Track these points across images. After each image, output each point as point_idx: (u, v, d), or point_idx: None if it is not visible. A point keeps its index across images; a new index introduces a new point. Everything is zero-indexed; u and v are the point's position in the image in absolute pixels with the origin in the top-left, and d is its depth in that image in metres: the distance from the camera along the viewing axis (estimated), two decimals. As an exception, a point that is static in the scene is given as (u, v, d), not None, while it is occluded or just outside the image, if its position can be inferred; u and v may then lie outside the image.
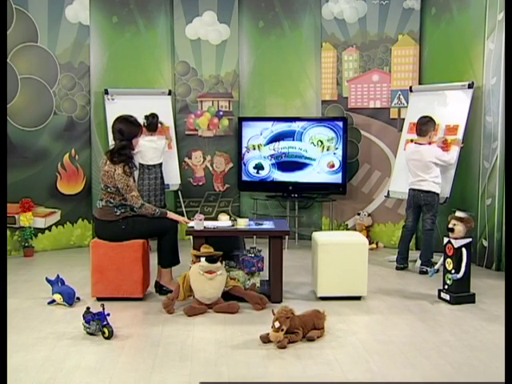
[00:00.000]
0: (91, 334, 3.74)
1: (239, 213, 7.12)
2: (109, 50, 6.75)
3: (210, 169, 7.23)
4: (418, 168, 5.48)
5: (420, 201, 5.50)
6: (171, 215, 4.66)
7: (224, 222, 4.76)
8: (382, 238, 6.74)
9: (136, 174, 5.23)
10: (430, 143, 5.52)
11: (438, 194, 5.46)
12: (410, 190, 5.61)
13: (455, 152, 5.54)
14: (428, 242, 5.50)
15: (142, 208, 4.50)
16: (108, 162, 4.49)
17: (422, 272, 5.41)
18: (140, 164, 5.94)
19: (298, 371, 3.23)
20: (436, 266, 4.77)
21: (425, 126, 5.48)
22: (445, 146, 5.66)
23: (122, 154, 4.50)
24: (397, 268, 5.62)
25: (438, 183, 5.45)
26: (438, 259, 4.84)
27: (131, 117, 4.66)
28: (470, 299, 4.48)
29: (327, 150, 6.62)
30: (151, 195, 5.90)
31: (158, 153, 6.12)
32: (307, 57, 6.92)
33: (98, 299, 4.45)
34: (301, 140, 6.72)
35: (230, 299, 4.32)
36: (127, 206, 4.54)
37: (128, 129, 4.56)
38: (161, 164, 6.19)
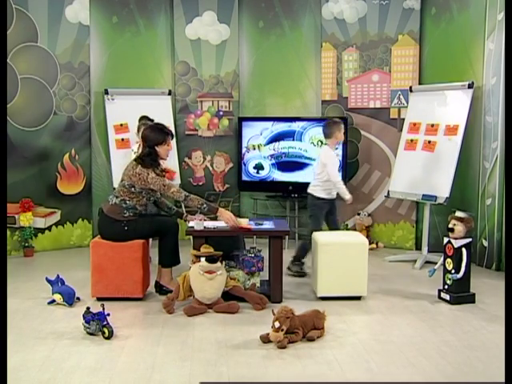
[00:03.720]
0: (91, 333, 3.74)
1: (239, 213, 7.11)
2: (109, 50, 6.74)
3: (210, 169, 7.23)
4: (315, 168, 5.56)
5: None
6: (222, 214, 4.52)
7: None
8: (382, 238, 6.74)
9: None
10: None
11: (316, 198, 5.32)
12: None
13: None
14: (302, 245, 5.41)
15: (188, 199, 4.50)
16: (139, 166, 4.50)
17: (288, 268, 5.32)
18: None
19: (298, 371, 3.23)
20: (436, 266, 4.77)
21: (326, 128, 5.38)
22: (427, 148, 5.78)
23: (146, 160, 4.52)
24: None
25: (317, 186, 5.32)
26: (438, 259, 4.84)
27: (159, 124, 4.71)
28: (470, 299, 4.48)
29: (327, 150, 6.61)
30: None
31: None
32: (307, 57, 6.92)
33: (98, 299, 4.45)
34: (301, 140, 6.72)
35: (230, 299, 4.32)
36: (138, 210, 4.56)
37: (151, 136, 4.58)
38: None
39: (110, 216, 4.53)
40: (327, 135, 5.42)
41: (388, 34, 6.63)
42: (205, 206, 4.51)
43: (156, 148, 4.56)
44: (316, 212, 5.38)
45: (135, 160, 4.59)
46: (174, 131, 6.59)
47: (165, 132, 4.64)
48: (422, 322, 4.07)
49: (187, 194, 4.54)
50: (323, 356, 3.44)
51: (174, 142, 6.54)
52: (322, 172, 5.30)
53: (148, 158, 4.53)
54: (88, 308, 3.82)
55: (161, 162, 4.66)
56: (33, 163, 6.34)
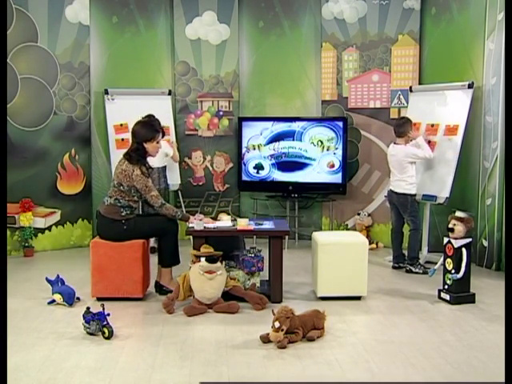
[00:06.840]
0: (91, 333, 3.74)
1: (239, 213, 7.12)
2: (109, 50, 6.74)
3: (210, 169, 7.23)
4: (394, 168, 5.58)
5: (395, 201, 5.63)
6: (193, 220, 4.58)
7: (224, 221, 4.76)
8: (381, 238, 6.73)
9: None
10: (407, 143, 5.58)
11: (411, 195, 5.52)
12: (388, 190, 5.74)
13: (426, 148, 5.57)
14: (410, 242, 5.57)
15: (163, 207, 4.51)
16: (126, 162, 4.50)
17: (406, 271, 5.51)
18: None
19: (298, 371, 3.23)
20: (436, 266, 4.77)
21: (401, 127, 5.53)
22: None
23: (133, 156, 4.51)
24: (392, 267, 5.67)
25: (411, 183, 5.51)
26: (438, 259, 4.84)
27: (150, 120, 4.65)
28: (470, 299, 4.48)
29: (327, 149, 6.62)
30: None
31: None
32: (307, 57, 6.92)
33: (98, 299, 4.45)
34: (301, 140, 6.72)
35: (230, 299, 4.32)
36: (133, 207, 4.56)
37: (141, 131, 4.56)
38: (164, 167, 6.23)
39: (108, 217, 4.52)
40: (401, 134, 5.53)
41: (388, 34, 6.63)
42: (179, 213, 4.57)
43: (144, 144, 4.55)
44: (417, 207, 5.60)
45: (123, 156, 4.59)
46: (174, 131, 6.72)
47: (155, 129, 4.61)
48: (422, 322, 4.07)
49: (164, 202, 4.55)
50: (323, 356, 3.44)
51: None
52: (406, 168, 5.45)
53: (135, 154, 4.52)
54: (88, 308, 3.82)
55: (148, 159, 4.64)
56: (33, 163, 6.33)
